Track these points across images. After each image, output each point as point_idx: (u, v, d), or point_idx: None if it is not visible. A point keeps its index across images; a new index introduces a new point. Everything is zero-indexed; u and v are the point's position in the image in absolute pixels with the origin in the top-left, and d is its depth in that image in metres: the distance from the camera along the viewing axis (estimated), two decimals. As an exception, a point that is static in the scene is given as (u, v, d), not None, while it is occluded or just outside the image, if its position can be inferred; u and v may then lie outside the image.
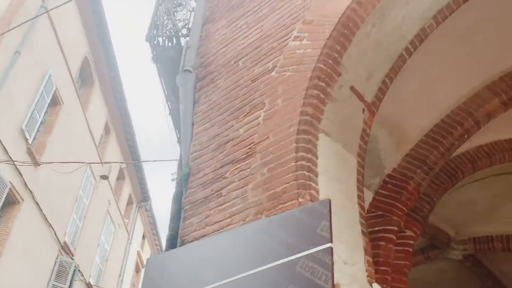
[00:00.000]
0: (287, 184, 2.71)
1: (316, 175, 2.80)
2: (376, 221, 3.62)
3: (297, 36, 3.41)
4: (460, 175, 4.11)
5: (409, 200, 3.69)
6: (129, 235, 16.36)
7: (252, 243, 2.35)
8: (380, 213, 3.65)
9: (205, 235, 2.93)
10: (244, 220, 2.75)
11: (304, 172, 2.74)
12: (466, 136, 3.82)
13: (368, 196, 3.81)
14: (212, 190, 3.11)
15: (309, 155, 2.84)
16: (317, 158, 2.88)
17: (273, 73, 3.37)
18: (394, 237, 3.57)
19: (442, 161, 3.84)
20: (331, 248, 2.08)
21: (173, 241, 3.23)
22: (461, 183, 4.44)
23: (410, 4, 3.18)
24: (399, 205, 3.64)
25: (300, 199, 2.60)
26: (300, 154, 2.82)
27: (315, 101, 3.04)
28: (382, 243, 3.49)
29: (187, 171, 3.38)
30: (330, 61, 3.13)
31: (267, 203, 2.72)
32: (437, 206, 4.61)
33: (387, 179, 3.82)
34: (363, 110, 3.35)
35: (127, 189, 16.21)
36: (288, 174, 2.75)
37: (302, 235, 2.20)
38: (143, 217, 18.29)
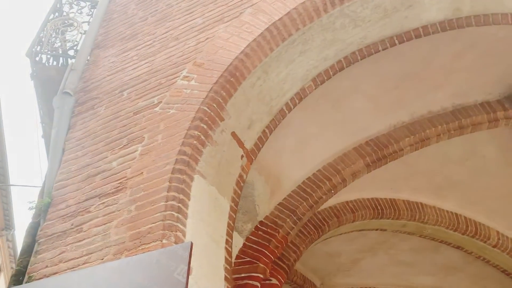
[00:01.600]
0: (153, 224, 2.61)
1: (186, 217, 2.75)
2: (243, 267, 3.64)
3: (186, 76, 3.44)
4: (326, 228, 4.38)
5: (277, 248, 3.80)
6: (-19, 266, 14.31)
7: (104, 285, 2.19)
8: (247, 259, 3.69)
9: (56, 273, 2.67)
10: (102, 259, 2.58)
11: (173, 212, 2.68)
12: (333, 191, 4.12)
13: (239, 241, 3.85)
14: (72, 224, 2.88)
15: (181, 196, 2.79)
16: (189, 200, 2.84)
17: (157, 109, 3.33)
18: (259, 285, 3.61)
19: (310, 212, 4.06)
20: (185, 293, 2.02)
21: (20, 278, 2.89)
22: (328, 235, 4.72)
23: (293, 64, 3.43)
24: (267, 253, 3.72)
25: (164, 241, 2.52)
26: (172, 193, 2.76)
27: (195, 142, 3.04)
28: (246, 290, 3.50)
29: (48, 200, 3.11)
30: (215, 105, 3.20)
31: (129, 243, 2.58)
32: (306, 256, 4.83)
33: (259, 226, 3.91)
34: (242, 156, 3.43)
35: (-13, 214, 14.34)
36: (156, 213, 2.66)
37: (157, 279, 2.11)
38: (2, 248, 16.21)
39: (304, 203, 3.95)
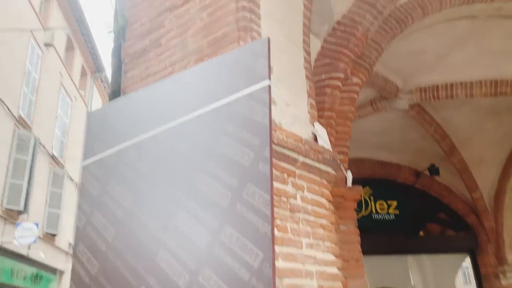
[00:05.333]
0: (227, 28, 2.57)
1: (259, 17, 2.66)
2: (323, 68, 3.60)
3: None
4: (409, 21, 4.03)
5: (357, 46, 3.65)
6: (87, 106, 16.10)
7: (191, 88, 2.29)
8: (327, 61, 3.62)
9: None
10: (185, 68, 2.66)
11: (246, 14, 2.59)
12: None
13: (317, 44, 3.73)
14: (150, 40, 2.94)
15: (250, -4, 2.65)
16: (259, 0, 2.71)
17: None
18: (340, 84, 3.60)
19: (391, 5, 3.72)
20: (269, 86, 2.04)
21: (116, 95, 3.14)
22: (410, 29, 4.39)
23: None
24: (347, 52, 3.60)
25: (241, 42, 2.50)
26: (241, -5, 2.62)
27: None
28: (328, 89, 3.52)
29: (123, 22, 3.14)
30: None
31: (208, 49, 2.61)
32: (387, 56, 4.62)
33: (336, 26, 3.71)
34: None
35: (78, 60, 15.44)
36: (228, 17, 2.59)
37: (240, 75, 2.14)
38: (99, 88, 17.85)
39: (385, -5, 3.59)
